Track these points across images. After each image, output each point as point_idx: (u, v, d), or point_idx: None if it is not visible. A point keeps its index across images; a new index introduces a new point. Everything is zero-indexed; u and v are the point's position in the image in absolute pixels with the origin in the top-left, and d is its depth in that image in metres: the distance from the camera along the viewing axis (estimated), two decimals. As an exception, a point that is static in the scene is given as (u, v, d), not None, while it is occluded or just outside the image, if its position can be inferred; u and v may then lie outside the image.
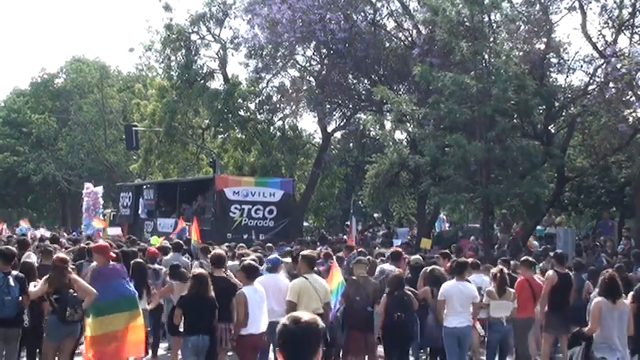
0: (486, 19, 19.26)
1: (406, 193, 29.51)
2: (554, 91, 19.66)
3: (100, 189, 30.49)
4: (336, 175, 31.12)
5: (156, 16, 35.23)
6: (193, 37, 28.07)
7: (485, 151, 17.75)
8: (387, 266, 11.22)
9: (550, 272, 10.84)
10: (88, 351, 7.98)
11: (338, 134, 31.21)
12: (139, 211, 26.44)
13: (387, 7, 25.36)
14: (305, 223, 33.08)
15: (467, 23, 19.00)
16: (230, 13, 27.84)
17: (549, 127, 20.82)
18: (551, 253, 13.02)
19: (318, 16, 23.52)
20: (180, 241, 14.53)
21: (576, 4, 19.38)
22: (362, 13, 25.01)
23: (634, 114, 19.29)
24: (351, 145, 33.12)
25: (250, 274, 8.57)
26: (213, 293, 8.17)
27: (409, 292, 9.46)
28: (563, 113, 20.79)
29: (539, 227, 21.41)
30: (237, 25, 38.00)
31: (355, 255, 12.47)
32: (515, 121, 20.28)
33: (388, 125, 24.71)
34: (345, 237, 24.47)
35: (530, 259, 11.12)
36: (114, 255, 8.78)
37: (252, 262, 8.94)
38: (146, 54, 31.83)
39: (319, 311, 8.31)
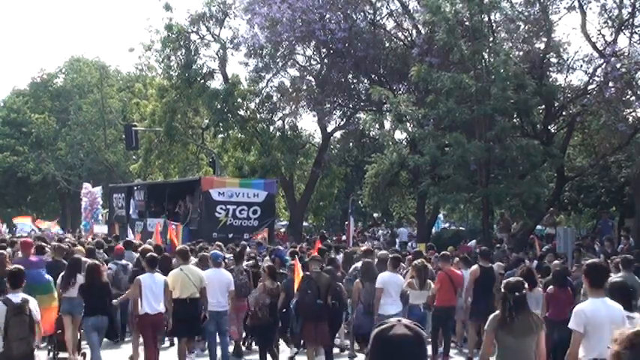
0: (486, 18, 19.27)
1: (406, 193, 29.49)
2: (553, 91, 19.65)
3: (98, 189, 30.55)
4: (335, 174, 31.12)
5: (156, 16, 35.38)
6: (193, 36, 28.07)
7: (485, 151, 17.76)
8: (358, 264, 12.31)
9: (474, 267, 11.89)
10: None
11: (338, 134, 31.22)
12: (130, 212, 26.88)
13: (386, 7, 25.39)
14: (304, 223, 33.09)
15: (466, 23, 19.01)
16: (230, 12, 27.84)
17: (549, 127, 20.83)
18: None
19: (317, 16, 23.52)
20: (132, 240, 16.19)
21: (576, 3, 19.39)
22: (362, 13, 25.02)
23: (633, 113, 19.31)
24: (350, 144, 33.11)
25: (150, 263, 10.02)
26: (106, 280, 9.88)
27: (340, 285, 10.99)
28: (563, 113, 20.80)
29: (538, 227, 21.41)
30: (236, 25, 37.92)
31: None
32: (514, 120, 20.29)
33: (388, 125, 24.75)
34: (344, 237, 24.55)
35: (447, 253, 12.73)
36: (33, 250, 11.13)
37: (154, 254, 10.52)
38: (146, 54, 31.83)
39: (195, 295, 10.14)
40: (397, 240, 26.58)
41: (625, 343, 2.58)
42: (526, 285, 6.48)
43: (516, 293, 6.11)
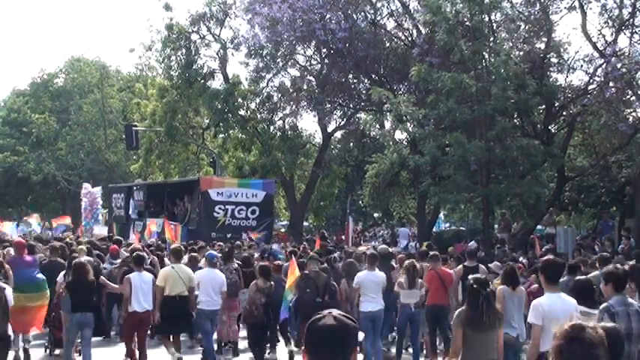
0: (486, 18, 19.26)
1: (406, 193, 29.53)
2: (554, 91, 19.64)
3: (97, 189, 30.59)
4: (336, 174, 31.13)
5: (156, 16, 35.40)
6: (194, 36, 28.09)
7: (486, 151, 17.75)
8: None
9: (459, 267, 12.22)
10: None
11: (338, 134, 31.24)
12: (130, 212, 26.98)
13: (387, 7, 25.39)
14: (305, 223, 33.10)
15: (467, 23, 19.01)
16: (230, 12, 27.87)
17: (549, 127, 20.82)
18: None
19: (318, 16, 23.52)
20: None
21: (576, 3, 19.37)
22: (362, 13, 25.02)
23: (634, 113, 19.30)
24: (351, 144, 33.15)
25: (137, 262, 10.45)
26: (92, 278, 9.96)
27: (334, 284, 11.22)
28: (564, 113, 20.79)
29: (539, 227, 21.41)
30: (237, 25, 38.17)
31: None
32: (515, 120, 20.29)
33: (388, 125, 24.76)
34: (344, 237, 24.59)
35: (436, 253, 12.46)
36: (26, 250, 11.58)
37: (140, 253, 10.92)
38: (146, 54, 31.91)
39: (184, 294, 10.51)
40: (398, 240, 26.59)
41: (563, 336, 2.72)
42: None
43: (488, 289, 6.45)
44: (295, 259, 11.89)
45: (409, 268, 11.26)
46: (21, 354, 10.97)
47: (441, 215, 30.25)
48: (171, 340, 10.82)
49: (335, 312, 2.82)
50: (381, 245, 13.87)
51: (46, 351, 11.82)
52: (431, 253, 12.65)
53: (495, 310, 6.52)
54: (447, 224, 33.35)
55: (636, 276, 9.12)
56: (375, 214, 39.18)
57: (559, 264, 6.99)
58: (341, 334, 2.74)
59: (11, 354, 10.95)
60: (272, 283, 10.97)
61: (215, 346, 11.81)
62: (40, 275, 10.86)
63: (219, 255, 13.18)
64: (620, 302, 6.06)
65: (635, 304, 6.18)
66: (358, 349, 2.79)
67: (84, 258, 12.48)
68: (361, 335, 3.05)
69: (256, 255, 15.40)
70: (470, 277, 6.89)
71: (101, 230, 26.53)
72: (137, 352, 10.34)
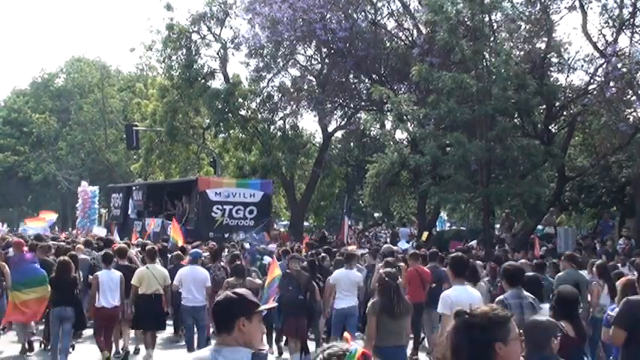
0: (487, 18, 19.26)
1: (407, 193, 29.53)
2: (554, 91, 19.64)
3: (92, 188, 30.59)
4: (336, 174, 31.12)
5: (157, 16, 35.43)
6: (194, 36, 28.08)
7: (486, 151, 17.75)
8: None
9: None
10: (8, 315, 10.94)
11: (339, 134, 31.23)
12: (129, 212, 27.03)
13: (387, 7, 25.41)
14: (305, 223, 33.11)
15: (468, 23, 19.01)
16: (231, 12, 27.86)
17: (550, 127, 20.82)
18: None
19: (318, 15, 23.52)
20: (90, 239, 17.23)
21: (577, 3, 19.37)
22: (362, 13, 25.04)
23: (634, 113, 19.31)
24: (351, 144, 33.15)
25: (105, 260, 11.09)
26: (74, 275, 10.47)
27: (314, 283, 11.40)
28: (564, 113, 20.79)
29: (539, 227, 21.41)
30: (237, 25, 37.91)
31: None
32: (515, 120, 20.29)
33: (388, 125, 24.76)
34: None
35: (417, 252, 13.01)
36: (26, 248, 12.26)
37: (109, 252, 11.59)
38: (147, 53, 31.86)
39: (159, 292, 10.97)
40: (399, 240, 26.57)
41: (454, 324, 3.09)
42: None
43: (397, 281, 7.39)
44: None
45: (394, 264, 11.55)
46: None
47: (444, 215, 30.22)
48: (149, 335, 11.26)
49: (240, 290, 3.52)
50: (386, 245, 14.11)
51: (40, 346, 12.13)
52: (411, 251, 13.09)
53: (404, 301, 7.45)
54: (449, 224, 33.37)
55: (605, 273, 10.33)
56: (376, 214, 39.18)
57: (465, 260, 7.84)
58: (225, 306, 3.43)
59: (18, 346, 11.62)
60: (245, 280, 11.11)
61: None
62: (41, 270, 11.26)
63: (202, 252, 13.49)
64: (514, 295, 6.77)
65: (530, 297, 6.83)
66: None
67: (82, 256, 12.96)
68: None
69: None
70: (381, 271, 7.74)
71: (100, 231, 26.55)
72: (99, 342, 10.79)
